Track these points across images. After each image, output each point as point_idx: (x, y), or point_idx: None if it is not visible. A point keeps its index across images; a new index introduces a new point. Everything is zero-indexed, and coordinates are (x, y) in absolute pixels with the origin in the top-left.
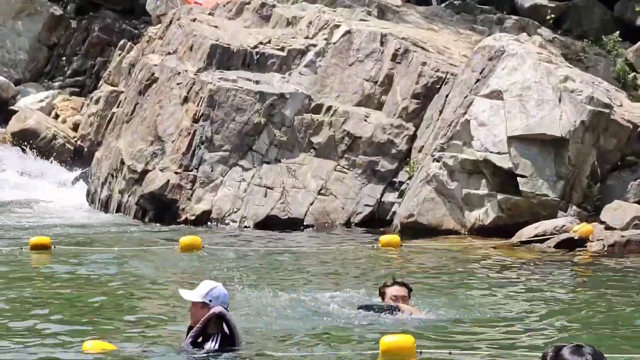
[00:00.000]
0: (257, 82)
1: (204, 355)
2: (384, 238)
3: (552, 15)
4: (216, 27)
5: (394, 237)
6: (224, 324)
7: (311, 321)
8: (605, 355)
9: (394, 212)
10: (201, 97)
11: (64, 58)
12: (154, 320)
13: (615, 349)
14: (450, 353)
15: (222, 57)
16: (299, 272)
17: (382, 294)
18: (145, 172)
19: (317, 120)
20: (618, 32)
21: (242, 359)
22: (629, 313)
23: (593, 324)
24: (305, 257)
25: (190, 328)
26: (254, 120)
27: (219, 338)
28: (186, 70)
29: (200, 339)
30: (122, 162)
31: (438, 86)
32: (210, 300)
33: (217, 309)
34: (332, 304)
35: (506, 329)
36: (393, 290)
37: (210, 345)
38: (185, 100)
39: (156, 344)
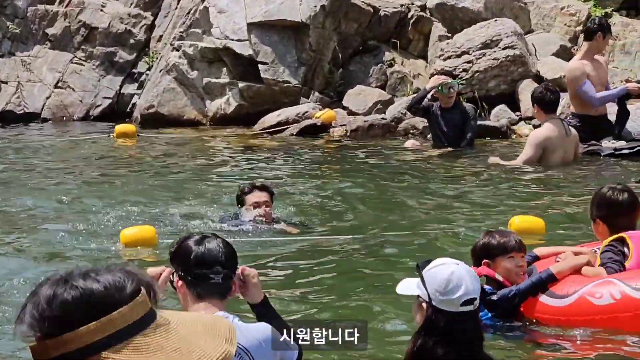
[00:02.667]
0: None
1: None
2: (119, 128)
3: None
4: None
5: (129, 127)
6: None
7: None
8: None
9: (135, 104)
10: None
11: None
12: None
13: (354, 228)
14: None
15: None
16: (32, 166)
17: (241, 202)
18: None
19: (52, 11)
20: None
21: None
22: (370, 194)
23: (325, 205)
24: (40, 151)
25: None
26: None
27: None
28: None
29: None
30: None
31: None
32: None
33: None
34: None
35: None
36: (253, 197)
37: None
38: None
39: None
